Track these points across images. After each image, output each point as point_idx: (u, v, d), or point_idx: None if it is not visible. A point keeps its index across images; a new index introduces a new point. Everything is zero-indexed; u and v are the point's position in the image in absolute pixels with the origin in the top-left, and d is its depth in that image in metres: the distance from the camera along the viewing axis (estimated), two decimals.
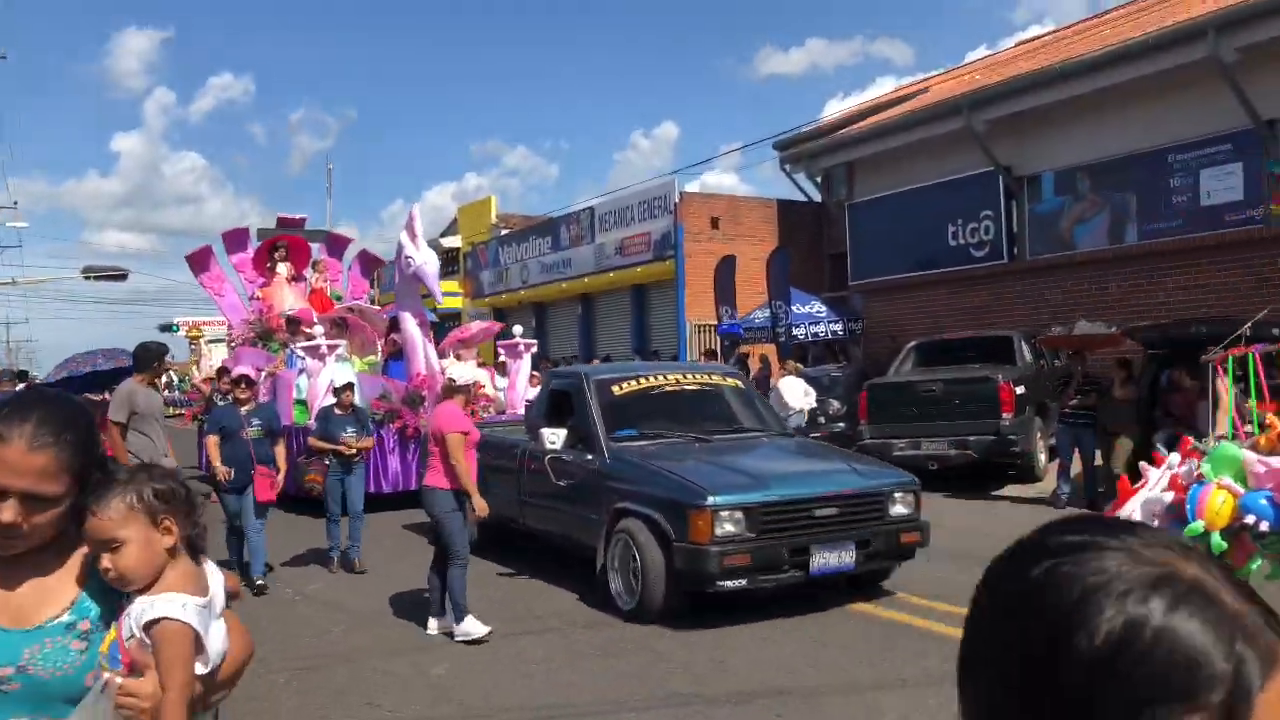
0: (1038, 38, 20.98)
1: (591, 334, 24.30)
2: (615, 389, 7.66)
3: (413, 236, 11.55)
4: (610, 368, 9.46)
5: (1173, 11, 14.35)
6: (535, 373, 14.15)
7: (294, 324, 13.99)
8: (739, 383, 8.51)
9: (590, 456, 7.21)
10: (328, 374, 11.76)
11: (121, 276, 33.17)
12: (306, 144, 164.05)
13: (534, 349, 13.98)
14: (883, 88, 42.52)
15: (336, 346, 12.55)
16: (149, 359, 8.04)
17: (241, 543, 7.87)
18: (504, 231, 27.69)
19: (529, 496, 8.02)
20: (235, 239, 16.56)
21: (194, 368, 35.40)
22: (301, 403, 12.51)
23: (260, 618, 6.97)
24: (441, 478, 6.33)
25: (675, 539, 6.13)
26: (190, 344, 38.26)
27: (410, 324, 11.99)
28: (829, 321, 17.46)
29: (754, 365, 17.32)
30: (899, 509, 6.63)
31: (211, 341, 37.40)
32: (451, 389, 6.72)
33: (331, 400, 9.03)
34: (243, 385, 8.24)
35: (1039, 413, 12.03)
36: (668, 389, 7.96)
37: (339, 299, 15.95)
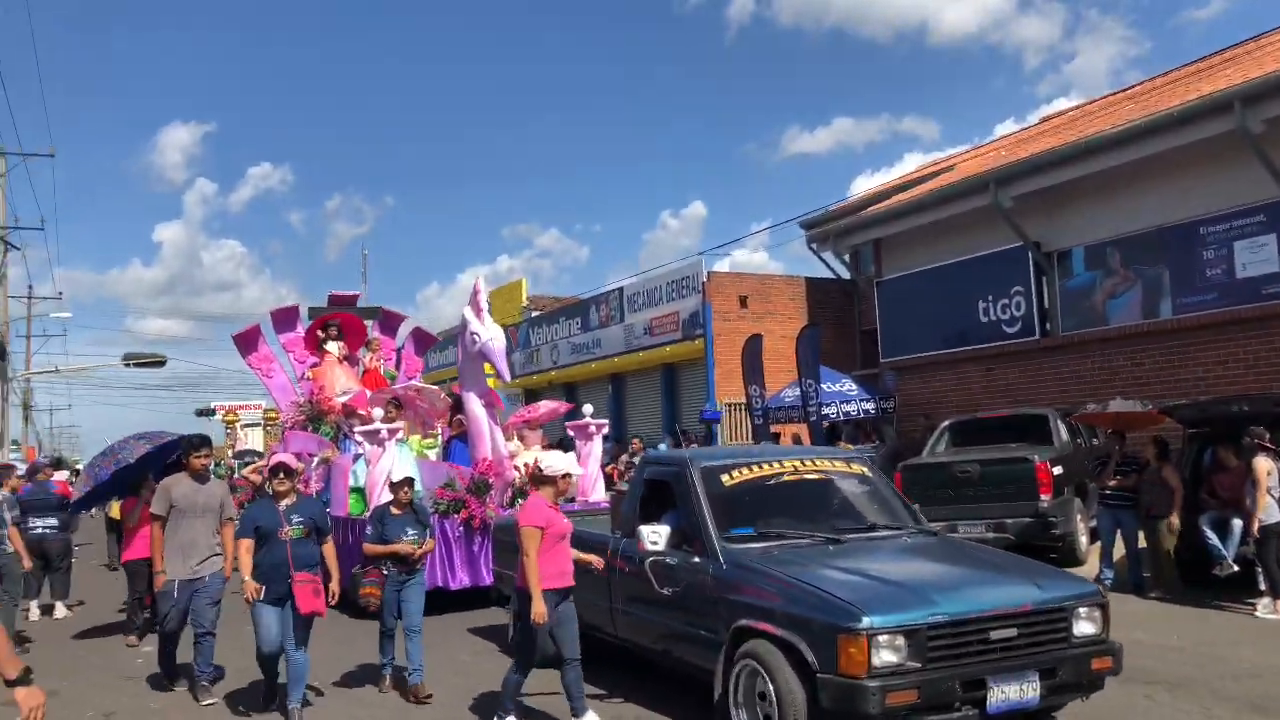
0: (1064, 112, 21.05)
1: (622, 414, 24.23)
2: (725, 478, 6.53)
3: (477, 311, 10.71)
4: (717, 453, 8.03)
5: (1198, 85, 14.35)
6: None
7: (349, 408, 13.16)
8: (867, 470, 7.21)
9: (699, 560, 6.07)
10: (387, 460, 10.90)
11: (160, 363, 33.76)
12: (343, 230, 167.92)
13: (605, 429, 12.91)
14: (910, 164, 43.09)
15: (397, 430, 11.48)
16: (182, 450, 7.72)
17: (276, 666, 6.70)
18: (534, 313, 27.92)
19: (623, 604, 6.85)
20: (284, 318, 15.93)
21: (228, 452, 35.65)
22: (358, 490, 11.61)
23: None
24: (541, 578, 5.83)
25: (819, 669, 4.96)
26: (226, 429, 38.61)
27: (476, 405, 11.12)
28: (860, 400, 17.28)
29: (786, 445, 17.12)
30: (1085, 627, 5.40)
31: (247, 426, 37.71)
32: (539, 479, 6.14)
33: (388, 497, 7.65)
34: (281, 475, 6.88)
35: (1079, 493, 11.73)
36: (786, 478, 6.74)
37: (393, 378, 15.34)
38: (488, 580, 10.13)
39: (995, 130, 79.11)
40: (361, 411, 12.38)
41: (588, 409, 12.96)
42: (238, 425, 34.17)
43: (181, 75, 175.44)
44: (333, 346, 15.16)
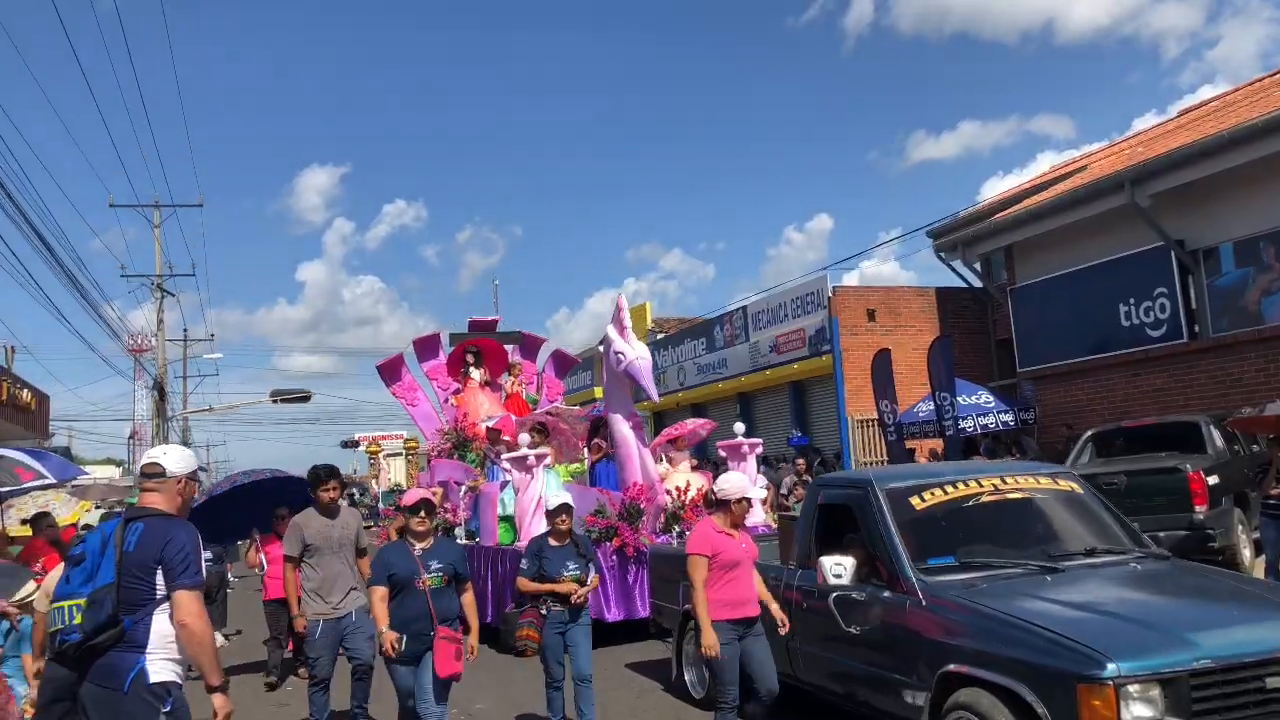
0: (1205, 103, 20.02)
1: (751, 434, 24.04)
2: (915, 501, 5.86)
3: (621, 330, 10.33)
4: (903, 471, 7.27)
5: None
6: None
7: (495, 434, 12.86)
8: (1076, 486, 6.29)
9: (890, 594, 5.43)
10: (536, 487, 10.47)
11: (306, 398, 35.24)
12: (475, 261, 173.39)
13: (759, 449, 12.28)
14: (1043, 165, 41.55)
15: (544, 456, 11.04)
16: (310, 484, 7.00)
17: None
18: (659, 335, 28.08)
19: (802, 644, 6.24)
20: (427, 346, 15.90)
21: (373, 481, 36.93)
22: (507, 519, 11.24)
23: None
24: (711, 608, 5.48)
25: None
26: (370, 459, 40.08)
27: (623, 427, 10.59)
28: (998, 412, 16.73)
29: (923, 461, 16.72)
30: None
31: (390, 456, 39.02)
32: (711, 502, 5.82)
33: (544, 527, 6.86)
34: (422, 514, 6.00)
35: (1239, 504, 11.07)
36: (985, 499, 5.94)
37: (534, 403, 15.17)
38: (643, 612, 9.67)
39: (1134, 124, 75.81)
40: (507, 437, 12.18)
41: (739, 427, 12.27)
42: (380, 455, 35.36)
43: (316, 121, 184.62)
44: (475, 373, 15.17)
